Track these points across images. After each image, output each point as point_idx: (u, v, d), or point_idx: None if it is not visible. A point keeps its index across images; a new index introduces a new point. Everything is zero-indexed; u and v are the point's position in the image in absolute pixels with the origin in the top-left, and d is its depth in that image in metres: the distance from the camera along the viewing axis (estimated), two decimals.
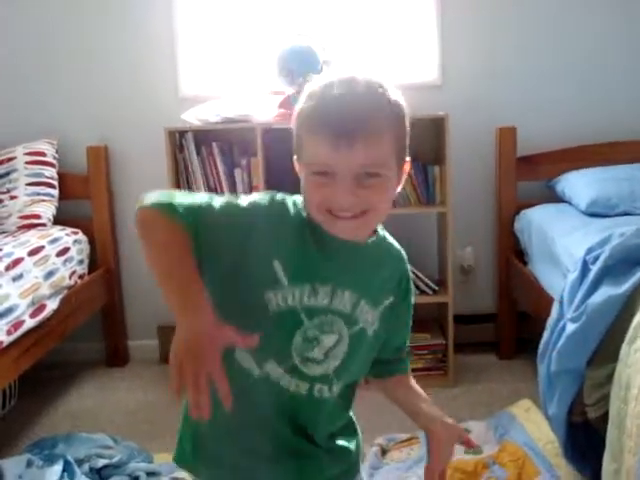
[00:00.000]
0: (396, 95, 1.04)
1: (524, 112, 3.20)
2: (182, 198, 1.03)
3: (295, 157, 1.08)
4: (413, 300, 1.24)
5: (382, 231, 1.17)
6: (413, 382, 1.29)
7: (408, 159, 1.09)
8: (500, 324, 3.27)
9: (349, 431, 1.23)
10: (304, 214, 1.07)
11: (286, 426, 1.12)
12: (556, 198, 3.06)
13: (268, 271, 1.04)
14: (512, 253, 3.16)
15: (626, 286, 1.79)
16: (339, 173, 0.98)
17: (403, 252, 1.21)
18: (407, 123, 1.06)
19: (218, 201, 1.05)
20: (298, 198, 1.09)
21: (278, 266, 1.04)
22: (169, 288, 0.97)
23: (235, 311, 1.02)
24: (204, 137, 3.00)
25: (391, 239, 1.19)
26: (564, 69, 3.20)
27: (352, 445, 1.22)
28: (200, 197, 1.06)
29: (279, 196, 1.09)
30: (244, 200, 1.08)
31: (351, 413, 1.25)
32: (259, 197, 1.08)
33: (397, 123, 1.04)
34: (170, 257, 0.99)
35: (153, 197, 1.03)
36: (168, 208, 1.00)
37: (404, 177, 1.09)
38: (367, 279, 1.12)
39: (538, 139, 3.17)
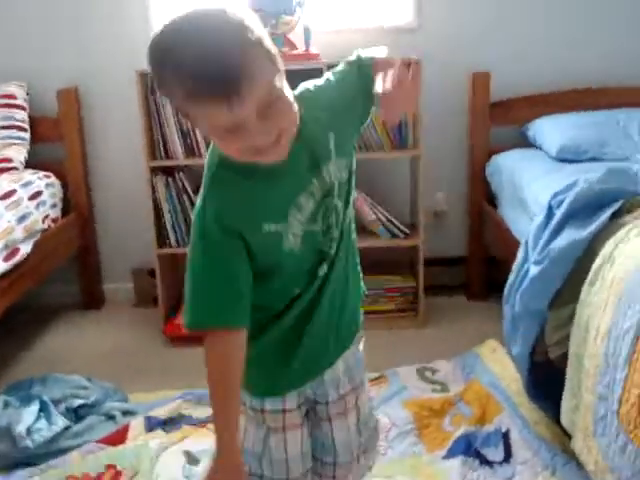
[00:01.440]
0: (250, 21, 0.98)
1: (499, 57, 3.18)
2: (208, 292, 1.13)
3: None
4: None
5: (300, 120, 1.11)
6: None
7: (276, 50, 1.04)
8: (470, 267, 3.33)
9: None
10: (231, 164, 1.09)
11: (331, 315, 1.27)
12: (528, 144, 3.08)
13: (269, 233, 1.13)
14: (484, 198, 3.20)
15: (589, 230, 1.83)
16: (245, 123, 0.99)
17: (315, 100, 1.18)
18: (265, 34, 1.01)
19: (198, 255, 1.13)
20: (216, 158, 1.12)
21: (268, 225, 1.13)
22: (215, 421, 1.16)
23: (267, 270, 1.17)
24: None
25: (309, 112, 1.14)
26: (540, 14, 3.18)
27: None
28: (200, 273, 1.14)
29: (206, 200, 1.12)
30: (200, 238, 1.13)
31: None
32: (199, 223, 1.13)
33: (263, 50, 0.99)
34: (218, 396, 1.14)
35: (191, 316, 1.14)
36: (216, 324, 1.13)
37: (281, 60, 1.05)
38: (321, 156, 1.16)
39: (512, 85, 3.17)
